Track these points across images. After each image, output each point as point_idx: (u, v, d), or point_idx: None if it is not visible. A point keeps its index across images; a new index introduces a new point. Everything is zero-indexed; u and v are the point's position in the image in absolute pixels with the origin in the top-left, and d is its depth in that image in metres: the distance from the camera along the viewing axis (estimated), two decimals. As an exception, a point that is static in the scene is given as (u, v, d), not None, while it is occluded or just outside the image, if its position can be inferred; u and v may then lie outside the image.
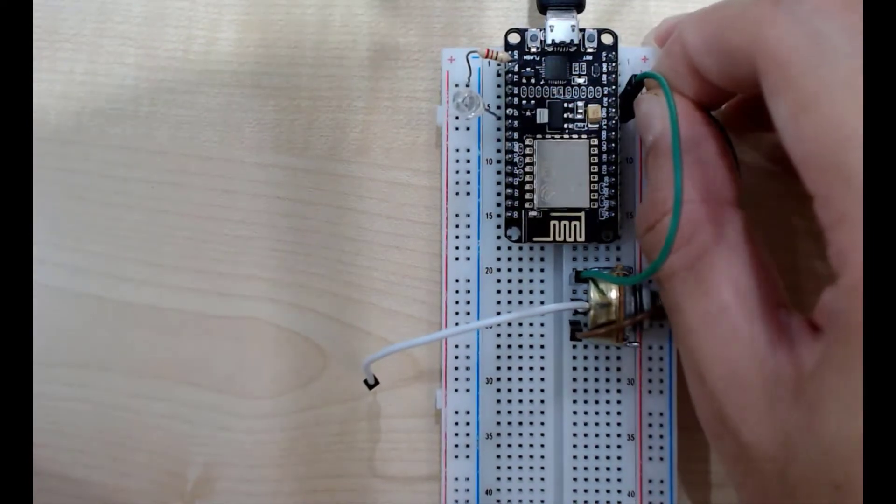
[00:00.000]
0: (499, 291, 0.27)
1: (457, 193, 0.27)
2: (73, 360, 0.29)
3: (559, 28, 0.26)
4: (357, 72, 0.29)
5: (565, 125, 0.26)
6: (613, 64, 0.26)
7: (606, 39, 0.26)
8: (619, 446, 0.27)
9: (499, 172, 0.27)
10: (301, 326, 0.28)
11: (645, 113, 0.24)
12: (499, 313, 0.27)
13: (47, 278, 0.29)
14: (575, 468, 0.27)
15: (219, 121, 0.29)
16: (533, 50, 0.26)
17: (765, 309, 0.21)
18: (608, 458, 0.27)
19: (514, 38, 0.26)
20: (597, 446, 0.27)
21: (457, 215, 0.27)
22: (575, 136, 0.26)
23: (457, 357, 0.27)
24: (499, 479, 0.27)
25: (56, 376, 0.29)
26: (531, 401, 0.27)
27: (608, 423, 0.27)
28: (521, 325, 0.27)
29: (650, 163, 0.23)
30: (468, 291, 0.27)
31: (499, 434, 0.27)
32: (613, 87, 0.26)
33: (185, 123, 0.29)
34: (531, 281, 0.27)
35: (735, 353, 0.20)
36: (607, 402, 0.27)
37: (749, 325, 0.20)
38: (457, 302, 0.27)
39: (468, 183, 0.27)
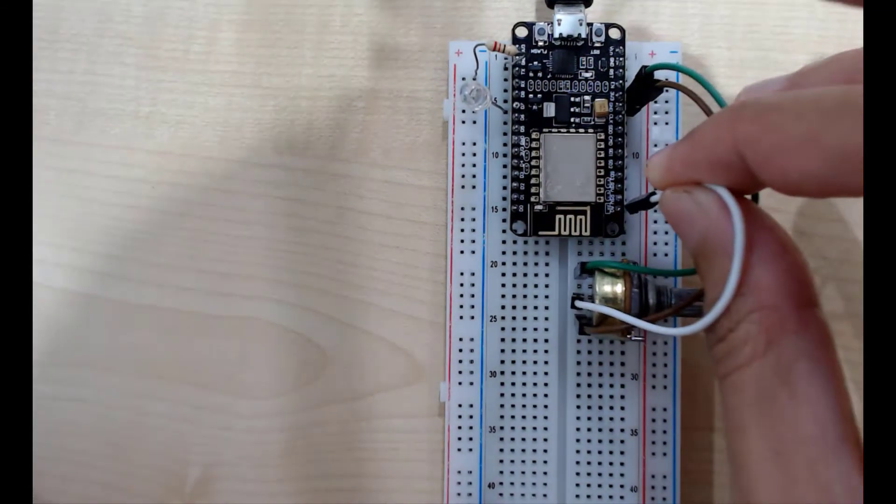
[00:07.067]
0: (504, 285, 0.27)
1: (462, 187, 0.27)
2: (73, 360, 0.29)
3: (567, 22, 0.26)
4: (357, 72, 0.29)
5: (572, 119, 0.26)
6: (621, 58, 0.26)
7: (614, 34, 0.26)
8: (622, 441, 0.27)
9: (505, 166, 0.27)
10: (301, 326, 0.28)
11: (679, 212, 0.21)
12: (503, 307, 0.27)
13: (47, 278, 0.29)
14: (578, 462, 0.27)
15: (219, 121, 0.29)
16: (540, 44, 0.26)
17: (849, 446, 0.17)
18: (611, 452, 0.27)
19: (522, 32, 0.26)
20: (600, 441, 0.27)
21: (462, 209, 0.27)
22: (581, 130, 0.26)
23: (461, 350, 0.27)
24: (501, 472, 0.27)
25: (56, 376, 0.28)
26: (535, 395, 0.27)
27: (612, 418, 0.27)
28: (525, 318, 0.27)
29: (702, 266, 0.20)
30: (473, 285, 0.27)
31: (502, 428, 0.27)
32: (620, 81, 0.26)
33: (185, 123, 0.29)
34: (536, 275, 0.27)
35: (807, 498, 0.17)
36: (611, 396, 0.27)
37: (829, 464, 0.17)
38: (461, 295, 0.27)
39: (474, 176, 0.27)
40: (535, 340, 0.27)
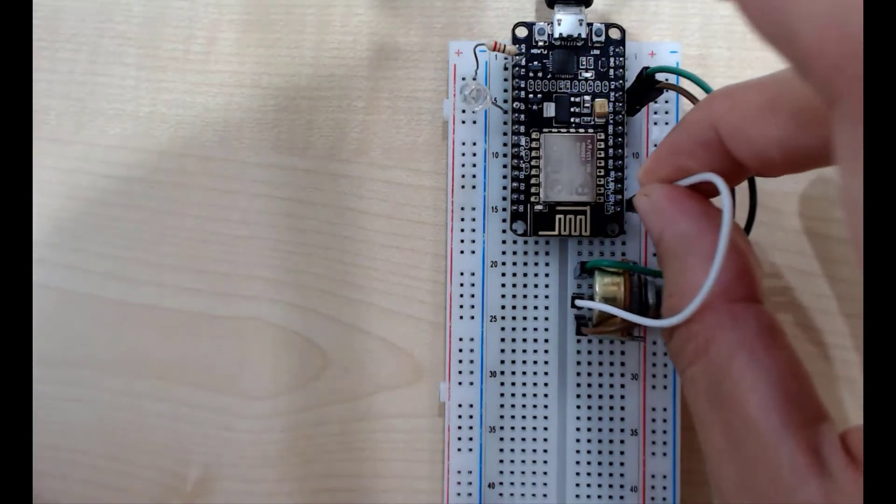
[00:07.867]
0: (504, 285, 0.27)
1: (462, 187, 0.27)
2: (73, 360, 0.29)
3: (567, 22, 0.26)
4: (357, 72, 0.29)
5: (572, 119, 0.26)
6: (621, 58, 0.26)
7: (614, 34, 0.26)
8: (622, 441, 0.27)
9: (505, 166, 0.27)
10: (301, 326, 0.28)
11: (641, 213, 0.22)
12: (503, 307, 0.27)
13: (47, 278, 0.29)
14: (578, 462, 0.27)
15: (219, 121, 0.29)
16: (540, 44, 0.26)
17: (796, 426, 0.18)
18: (611, 452, 0.27)
19: (522, 32, 0.26)
20: (600, 441, 0.27)
21: (462, 209, 0.27)
22: (581, 130, 0.26)
23: (461, 350, 0.27)
24: (501, 472, 0.27)
25: (56, 376, 0.28)
26: (535, 395, 0.27)
27: (612, 418, 0.27)
28: (525, 318, 0.27)
29: (661, 263, 0.22)
30: (472, 285, 0.27)
31: (502, 428, 0.27)
32: (620, 81, 0.26)
33: (185, 123, 0.29)
34: (536, 275, 0.27)
35: (761, 481, 0.18)
36: (611, 396, 0.27)
37: (776, 447, 0.18)
38: (461, 295, 0.27)
39: (474, 176, 0.27)
40: (535, 340, 0.27)
